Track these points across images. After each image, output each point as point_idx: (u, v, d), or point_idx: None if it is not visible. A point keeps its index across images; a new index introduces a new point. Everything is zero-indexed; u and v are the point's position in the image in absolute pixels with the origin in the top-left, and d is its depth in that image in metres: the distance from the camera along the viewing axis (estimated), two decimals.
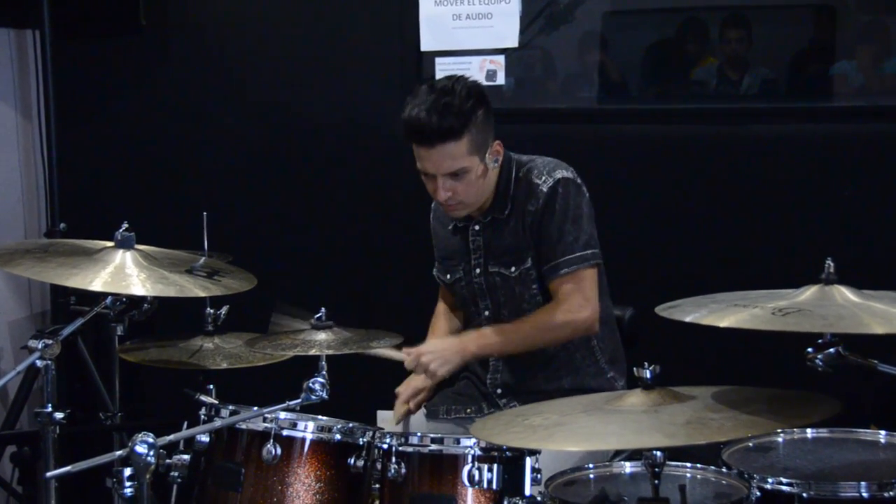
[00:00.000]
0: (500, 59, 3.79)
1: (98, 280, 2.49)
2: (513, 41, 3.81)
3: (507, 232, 2.88)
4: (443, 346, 2.86)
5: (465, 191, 2.79)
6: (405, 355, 2.80)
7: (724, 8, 3.90)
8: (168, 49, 4.21)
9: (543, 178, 2.84)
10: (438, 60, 3.82)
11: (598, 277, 2.86)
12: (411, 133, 2.76)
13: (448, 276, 3.03)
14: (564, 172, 2.85)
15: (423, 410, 3.03)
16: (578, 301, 2.81)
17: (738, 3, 3.89)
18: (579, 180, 2.86)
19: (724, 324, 2.04)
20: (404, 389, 2.95)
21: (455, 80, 2.78)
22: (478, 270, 2.93)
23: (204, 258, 2.75)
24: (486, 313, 2.95)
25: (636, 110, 3.96)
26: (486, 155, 2.80)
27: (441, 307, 3.19)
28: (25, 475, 3.49)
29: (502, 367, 2.96)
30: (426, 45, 3.87)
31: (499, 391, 2.96)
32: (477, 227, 2.93)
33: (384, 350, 2.77)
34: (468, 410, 2.98)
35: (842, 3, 3.84)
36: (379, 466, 2.41)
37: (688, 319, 2.11)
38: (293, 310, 2.86)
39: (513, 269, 2.87)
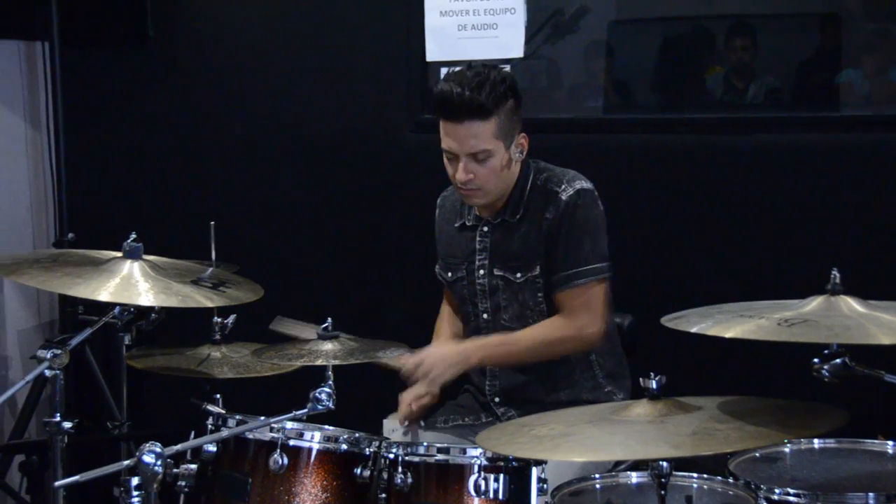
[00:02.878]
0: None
1: (104, 291, 2.49)
2: (518, 51, 3.82)
3: (518, 237, 2.87)
4: (445, 353, 2.87)
5: (485, 176, 2.77)
6: (405, 361, 2.80)
7: (730, 17, 3.90)
8: (176, 60, 4.23)
9: (563, 186, 2.83)
10: (444, 71, 3.82)
11: (607, 292, 2.86)
12: (441, 106, 2.75)
13: (449, 274, 3.02)
14: (584, 184, 2.85)
15: (421, 426, 3.03)
16: (587, 317, 2.81)
17: (743, 11, 3.89)
18: (596, 193, 2.86)
19: (729, 334, 2.04)
20: (407, 394, 2.93)
21: (491, 67, 2.81)
22: (481, 272, 2.92)
23: (211, 269, 2.76)
24: (485, 315, 2.94)
25: (642, 120, 3.96)
26: (512, 145, 2.79)
27: (445, 310, 3.19)
28: (34, 484, 3.50)
29: (500, 373, 2.96)
30: (431, 55, 3.88)
31: (497, 399, 2.96)
32: (486, 229, 2.92)
33: (387, 359, 2.79)
34: (466, 420, 2.98)
35: (847, 11, 3.84)
36: (385, 476, 2.41)
37: (693, 330, 2.11)
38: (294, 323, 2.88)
39: (518, 275, 2.86)
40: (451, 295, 3.10)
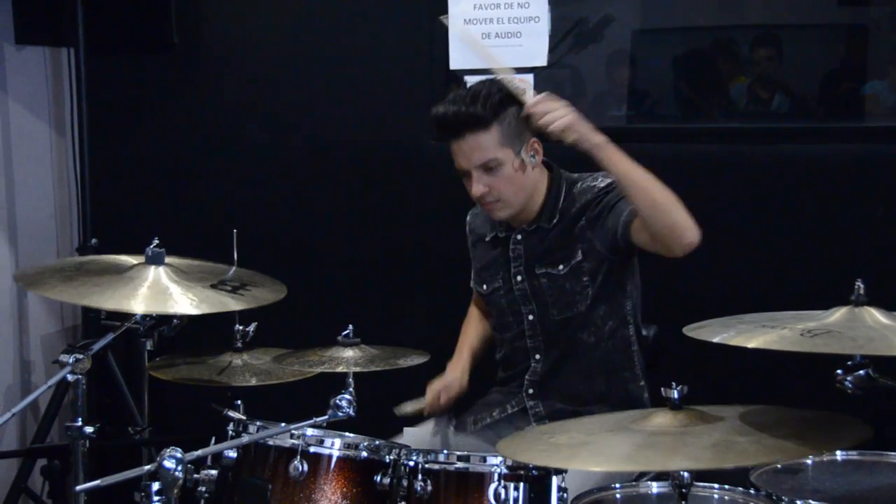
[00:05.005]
0: (529, 77, 3.79)
1: (130, 300, 2.49)
2: (541, 60, 3.81)
3: (552, 236, 2.86)
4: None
5: (501, 186, 2.77)
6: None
7: (755, 27, 3.89)
8: (200, 66, 4.25)
9: (599, 179, 2.84)
10: (467, 79, 3.82)
11: None
12: (440, 129, 2.77)
13: (485, 287, 3.02)
14: None
15: (451, 425, 3.03)
16: None
17: (768, 21, 3.87)
18: None
19: (751, 345, 2.02)
20: (436, 383, 2.94)
21: (487, 80, 2.80)
22: (519, 278, 2.91)
23: (234, 269, 2.76)
24: (531, 317, 2.92)
25: (665, 129, 3.94)
26: (522, 150, 2.78)
27: (474, 312, 3.19)
28: (55, 489, 3.52)
29: (542, 357, 2.92)
30: (455, 63, 3.87)
31: (531, 391, 2.94)
32: (519, 237, 2.91)
33: None
34: (493, 414, 2.97)
35: (874, 22, 3.81)
36: (405, 484, 2.40)
37: (715, 340, 2.10)
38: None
39: (561, 266, 2.85)
40: (488, 307, 3.09)
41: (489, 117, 2.71)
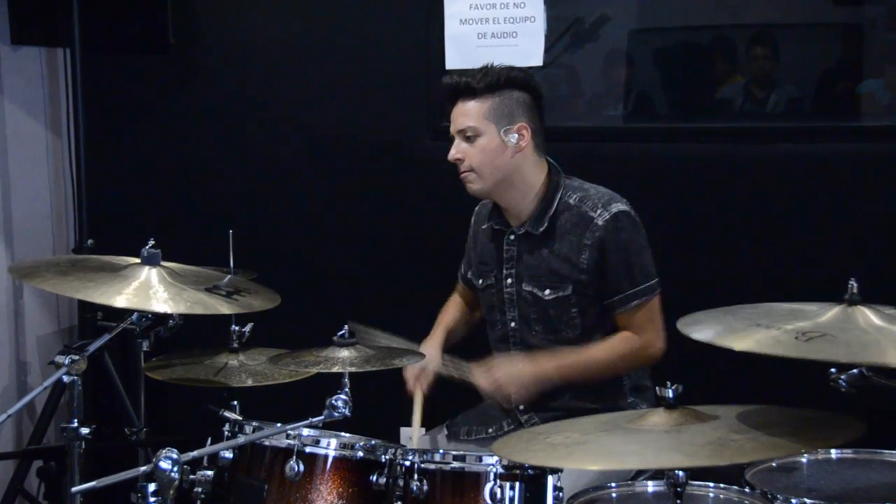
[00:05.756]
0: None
1: (120, 296, 2.49)
2: (538, 60, 3.81)
3: (546, 254, 2.87)
4: (520, 371, 2.85)
5: (475, 157, 2.84)
6: (480, 377, 2.85)
7: (751, 26, 3.89)
8: (196, 67, 4.25)
9: (599, 211, 2.83)
10: None
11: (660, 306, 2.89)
12: (444, 95, 2.93)
13: (480, 282, 3.03)
14: (621, 206, 2.85)
15: (444, 431, 3.03)
16: (653, 333, 2.85)
17: (765, 21, 3.88)
18: (633, 212, 2.86)
19: (745, 347, 2.01)
20: (410, 370, 2.96)
21: (510, 67, 2.91)
22: (509, 280, 2.93)
23: (229, 277, 2.76)
24: (513, 324, 2.94)
25: (662, 128, 3.95)
26: (504, 129, 2.83)
27: (455, 297, 3.22)
28: (51, 490, 3.52)
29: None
30: (451, 63, 3.88)
31: (521, 407, 2.96)
32: (512, 237, 2.93)
33: (450, 370, 2.90)
34: (489, 430, 2.98)
35: (869, 21, 3.82)
36: (401, 484, 2.41)
37: (707, 338, 2.09)
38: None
39: (548, 291, 2.87)
40: (481, 302, 3.10)
41: (481, 89, 2.83)
